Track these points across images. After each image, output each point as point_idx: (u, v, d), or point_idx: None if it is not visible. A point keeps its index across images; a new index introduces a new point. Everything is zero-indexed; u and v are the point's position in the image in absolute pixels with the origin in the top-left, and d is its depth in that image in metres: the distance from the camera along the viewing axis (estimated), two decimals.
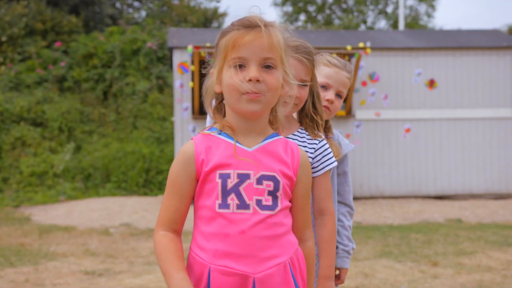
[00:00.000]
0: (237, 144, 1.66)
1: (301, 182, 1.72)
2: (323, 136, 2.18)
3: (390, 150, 10.27)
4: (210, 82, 1.72)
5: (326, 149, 2.15)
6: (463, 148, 10.33)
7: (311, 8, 24.04)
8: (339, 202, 2.49)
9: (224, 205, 1.61)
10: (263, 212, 1.62)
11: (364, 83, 10.15)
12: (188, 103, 9.83)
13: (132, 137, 12.93)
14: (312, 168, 2.11)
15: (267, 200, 1.63)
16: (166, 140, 12.69)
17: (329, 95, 2.43)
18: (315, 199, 2.10)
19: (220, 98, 1.75)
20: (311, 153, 2.12)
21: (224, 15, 20.08)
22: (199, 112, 10.06)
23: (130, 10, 20.44)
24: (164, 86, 14.12)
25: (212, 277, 1.60)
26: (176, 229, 1.67)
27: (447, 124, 10.33)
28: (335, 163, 2.12)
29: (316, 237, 2.07)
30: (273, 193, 1.64)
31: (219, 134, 1.69)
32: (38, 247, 6.30)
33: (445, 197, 10.32)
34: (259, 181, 1.63)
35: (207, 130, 1.72)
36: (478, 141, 10.36)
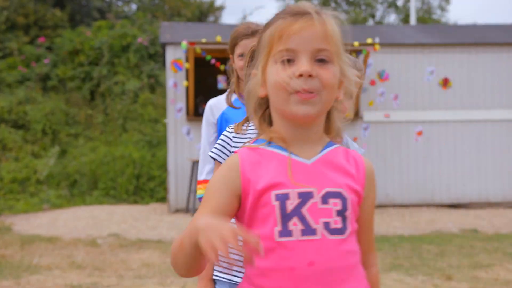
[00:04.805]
0: (293, 156, 1.47)
1: (368, 197, 1.53)
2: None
3: (400, 155, 10.29)
4: (253, 84, 1.52)
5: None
6: (479, 152, 10.35)
7: (315, 1, 24.10)
8: None
9: (286, 232, 1.41)
10: (333, 237, 1.42)
11: (372, 82, 10.19)
12: (182, 104, 9.85)
13: (121, 140, 12.94)
14: None
15: (336, 223, 1.43)
16: (158, 143, 12.70)
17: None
18: None
19: (264, 105, 1.54)
20: None
21: (220, 8, 20.14)
22: (194, 113, 10.08)
23: (120, 3, 20.49)
24: (156, 85, 14.15)
25: None
26: None
27: (462, 126, 10.36)
28: None
29: None
30: (341, 213, 1.44)
31: (269, 146, 1.49)
32: (20, 259, 6.31)
33: (460, 206, 10.34)
34: (324, 199, 1.44)
35: (253, 143, 1.53)
36: (495, 145, 10.38)
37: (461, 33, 11.49)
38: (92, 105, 13.97)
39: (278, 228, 1.41)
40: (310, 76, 1.40)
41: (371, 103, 10.18)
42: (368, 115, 10.19)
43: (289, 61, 1.42)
